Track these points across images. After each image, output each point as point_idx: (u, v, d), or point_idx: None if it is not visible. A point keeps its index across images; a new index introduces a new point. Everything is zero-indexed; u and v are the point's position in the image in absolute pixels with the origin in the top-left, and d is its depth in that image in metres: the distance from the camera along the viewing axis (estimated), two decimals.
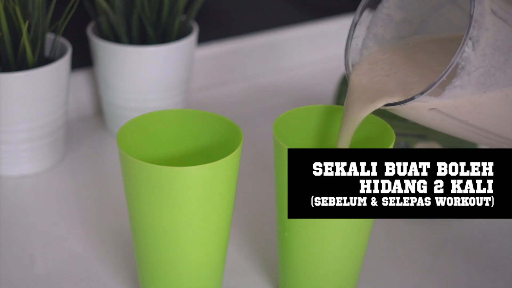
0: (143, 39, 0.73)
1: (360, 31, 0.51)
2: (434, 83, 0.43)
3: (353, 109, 0.49)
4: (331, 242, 0.50)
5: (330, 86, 0.85)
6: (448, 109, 0.46)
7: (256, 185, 0.69)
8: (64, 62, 0.67)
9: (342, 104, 0.70)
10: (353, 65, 0.51)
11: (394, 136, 0.49)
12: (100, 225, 0.62)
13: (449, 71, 0.43)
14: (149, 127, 0.52)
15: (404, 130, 0.67)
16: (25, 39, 0.62)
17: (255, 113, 0.83)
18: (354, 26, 0.51)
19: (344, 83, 0.75)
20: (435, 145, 0.66)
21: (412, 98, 0.45)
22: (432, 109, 0.46)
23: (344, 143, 0.50)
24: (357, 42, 0.51)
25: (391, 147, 0.49)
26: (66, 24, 0.67)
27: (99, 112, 0.81)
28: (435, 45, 0.52)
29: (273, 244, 0.60)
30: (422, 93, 0.44)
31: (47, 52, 0.69)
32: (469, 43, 0.42)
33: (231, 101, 0.86)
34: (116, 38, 0.73)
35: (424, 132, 0.67)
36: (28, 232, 0.62)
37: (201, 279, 0.51)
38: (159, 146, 0.53)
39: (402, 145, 0.66)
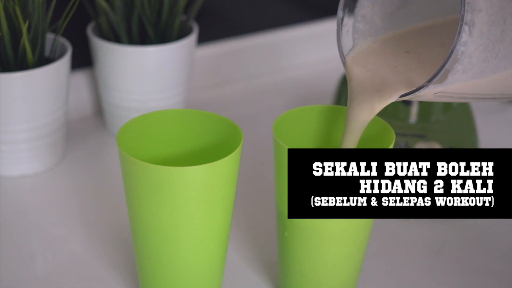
0: (143, 39, 0.74)
1: (349, 19, 0.51)
2: (438, 73, 0.43)
3: (365, 104, 0.48)
4: (331, 242, 0.50)
5: (330, 86, 0.85)
6: (453, 89, 0.46)
7: (256, 185, 0.69)
8: (64, 62, 0.67)
9: (342, 104, 0.70)
10: (347, 54, 0.51)
11: (394, 136, 0.49)
12: (100, 225, 0.62)
13: (450, 60, 0.43)
14: (149, 127, 0.52)
15: (404, 130, 0.67)
16: (25, 39, 0.62)
17: (255, 113, 0.83)
18: (341, 19, 0.50)
19: (344, 83, 0.75)
20: (435, 145, 0.66)
21: (418, 89, 0.45)
22: (438, 93, 0.46)
23: (352, 144, 0.50)
24: (347, 29, 0.51)
25: (391, 147, 0.49)
26: (66, 24, 0.67)
27: (99, 112, 0.81)
28: (427, 33, 0.52)
29: (273, 244, 0.60)
30: (428, 82, 0.44)
31: (47, 52, 0.69)
32: (466, 28, 0.42)
33: (231, 101, 0.86)
34: (116, 38, 0.73)
35: (424, 132, 0.67)
36: (28, 232, 0.62)
37: (201, 279, 0.51)
38: (159, 146, 0.53)
39: (402, 145, 0.66)
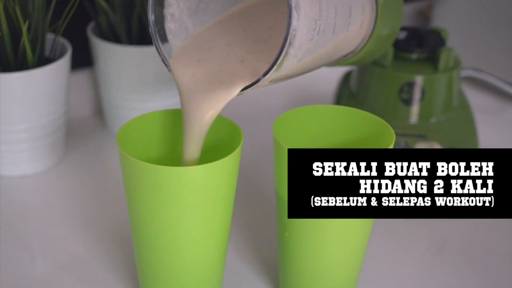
0: (143, 39, 0.74)
1: (160, 21, 0.49)
2: (275, 62, 0.43)
3: (202, 105, 0.47)
4: (331, 242, 0.50)
5: (330, 86, 0.85)
6: (284, 73, 0.45)
7: (256, 185, 0.69)
8: (64, 62, 0.67)
9: (342, 104, 0.70)
10: (170, 57, 0.49)
11: (394, 136, 0.49)
12: (100, 225, 0.62)
13: (285, 47, 0.42)
14: (149, 127, 0.52)
15: (404, 130, 0.67)
16: (25, 39, 0.62)
17: (255, 113, 0.83)
18: (153, 22, 0.48)
19: (344, 83, 0.75)
20: (435, 145, 0.66)
21: (257, 81, 0.44)
22: (272, 79, 0.45)
23: (195, 151, 0.49)
24: (161, 30, 0.49)
25: (391, 147, 0.49)
26: (66, 24, 0.67)
27: (99, 112, 0.81)
28: (248, 14, 0.51)
29: (273, 244, 0.60)
30: (265, 74, 0.43)
31: (47, 52, 0.69)
32: (294, 13, 0.42)
33: (231, 101, 0.86)
34: (116, 38, 0.73)
35: (424, 132, 0.67)
36: (28, 232, 0.62)
37: (201, 279, 0.51)
38: (159, 146, 0.53)
39: (402, 145, 0.66)
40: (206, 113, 0.47)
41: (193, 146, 0.49)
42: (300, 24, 0.42)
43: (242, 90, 0.46)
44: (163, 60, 0.48)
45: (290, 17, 0.42)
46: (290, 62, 0.44)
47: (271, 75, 0.44)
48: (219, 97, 0.47)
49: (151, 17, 0.48)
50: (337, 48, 0.51)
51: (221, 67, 0.48)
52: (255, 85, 0.45)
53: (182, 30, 0.50)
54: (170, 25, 0.49)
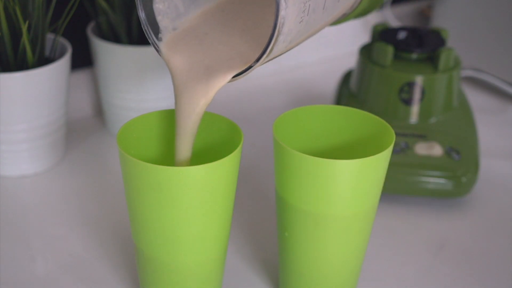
0: (143, 39, 0.74)
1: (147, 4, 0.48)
2: (265, 50, 0.42)
3: (194, 92, 0.46)
4: (331, 242, 0.50)
5: (330, 86, 0.85)
6: (274, 55, 0.45)
7: (256, 185, 0.69)
8: (64, 62, 0.67)
9: (342, 104, 0.70)
10: (161, 40, 0.48)
11: (394, 136, 0.49)
12: (100, 225, 0.62)
13: (274, 37, 0.42)
14: (149, 127, 0.52)
15: (404, 130, 0.67)
16: (25, 39, 0.62)
17: (255, 113, 0.83)
18: (140, 6, 0.47)
19: (344, 83, 0.75)
20: (435, 145, 0.66)
21: (249, 68, 0.44)
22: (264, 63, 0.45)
23: (188, 146, 0.48)
24: (150, 14, 0.48)
25: (391, 147, 0.49)
26: (66, 24, 0.67)
27: (99, 112, 0.81)
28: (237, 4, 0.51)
29: (273, 244, 0.60)
30: (257, 61, 0.43)
31: (47, 52, 0.69)
32: (282, 2, 0.41)
33: (231, 101, 0.86)
34: (116, 38, 0.73)
35: (424, 132, 0.67)
36: (28, 232, 0.62)
37: (201, 279, 0.51)
38: (158, 146, 0.53)
39: (402, 145, 0.66)
40: (199, 100, 0.47)
41: (186, 140, 0.48)
42: (289, 11, 0.42)
43: (234, 77, 0.46)
44: (153, 44, 0.48)
45: (277, 5, 0.41)
46: (280, 46, 0.44)
47: (262, 61, 0.43)
48: (211, 84, 0.46)
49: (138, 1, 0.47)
50: (328, 20, 0.50)
51: (212, 54, 0.47)
52: (246, 72, 0.45)
53: (171, 9, 0.49)
54: (159, 6, 0.48)
